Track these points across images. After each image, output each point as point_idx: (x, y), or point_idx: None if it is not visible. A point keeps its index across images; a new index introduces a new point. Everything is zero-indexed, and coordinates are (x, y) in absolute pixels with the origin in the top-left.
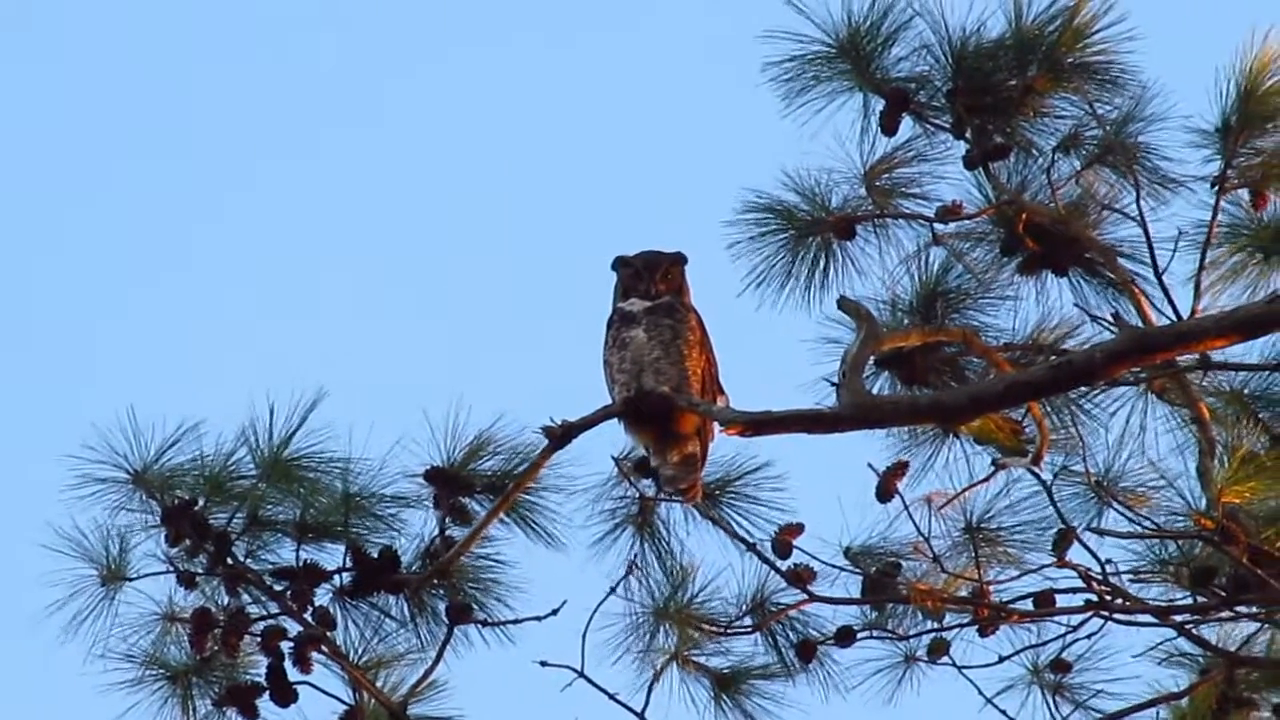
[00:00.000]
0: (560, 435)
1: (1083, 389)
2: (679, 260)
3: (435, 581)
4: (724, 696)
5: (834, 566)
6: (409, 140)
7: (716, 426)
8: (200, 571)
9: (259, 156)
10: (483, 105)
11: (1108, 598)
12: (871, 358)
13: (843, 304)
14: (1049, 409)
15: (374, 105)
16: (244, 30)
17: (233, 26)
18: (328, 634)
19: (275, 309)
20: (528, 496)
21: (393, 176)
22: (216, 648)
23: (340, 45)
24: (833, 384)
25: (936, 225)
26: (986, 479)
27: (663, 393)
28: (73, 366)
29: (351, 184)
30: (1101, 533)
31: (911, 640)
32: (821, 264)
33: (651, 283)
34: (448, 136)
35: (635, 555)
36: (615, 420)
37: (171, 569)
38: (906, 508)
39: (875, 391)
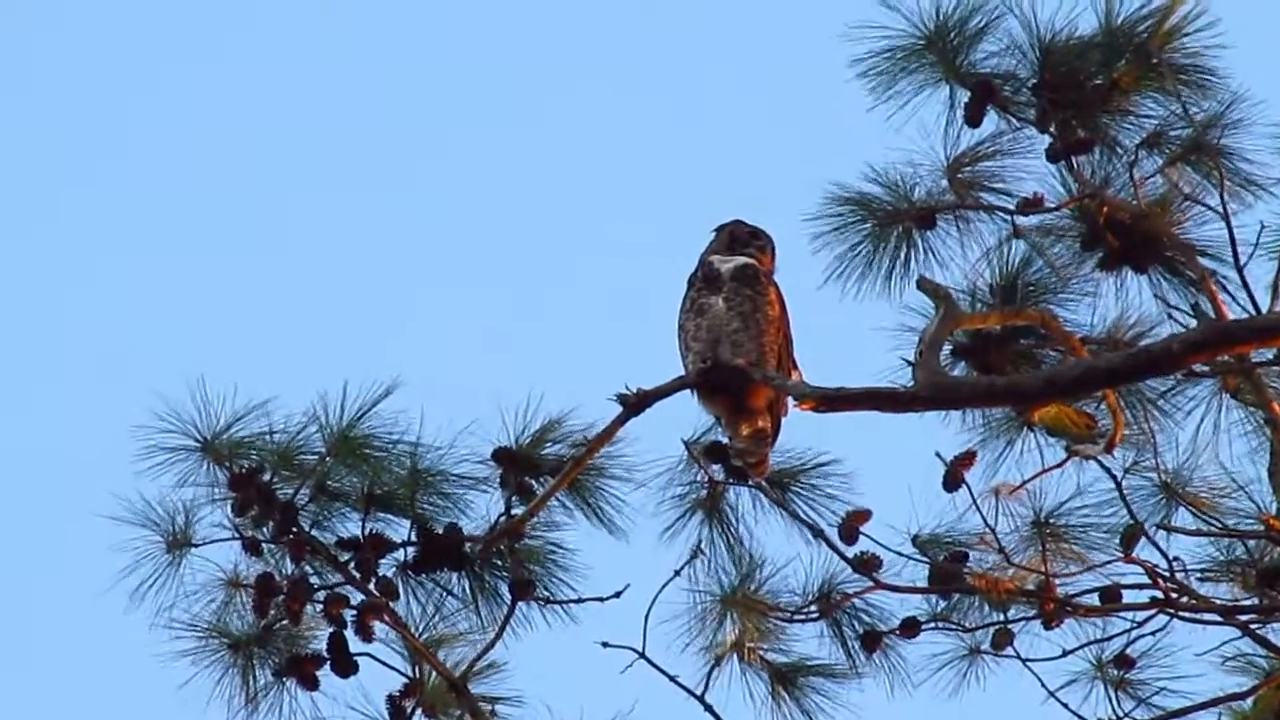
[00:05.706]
0: (635, 403)
1: (1160, 387)
2: (768, 243)
3: (499, 552)
4: (782, 691)
5: (901, 555)
6: (488, 126)
7: (790, 401)
8: (265, 538)
9: (344, 146)
10: (567, 97)
11: (1174, 595)
12: (948, 345)
13: (922, 284)
14: (1124, 403)
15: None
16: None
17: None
18: (390, 605)
19: (361, 299)
20: (596, 484)
21: (475, 162)
22: (278, 615)
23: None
24: (909, 362)
25: (1017, 218)
26: (1059, 465)
27: (738, 366)
28: (144, 339)
29: (437, 177)
30: (1170, 529)
31: (976, 632)
32: (903, 254)
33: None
34: (533, 127)
35: (702, 540)
36: (688, 391)
37: (237, 535)
38: (974, 499)
39: None
